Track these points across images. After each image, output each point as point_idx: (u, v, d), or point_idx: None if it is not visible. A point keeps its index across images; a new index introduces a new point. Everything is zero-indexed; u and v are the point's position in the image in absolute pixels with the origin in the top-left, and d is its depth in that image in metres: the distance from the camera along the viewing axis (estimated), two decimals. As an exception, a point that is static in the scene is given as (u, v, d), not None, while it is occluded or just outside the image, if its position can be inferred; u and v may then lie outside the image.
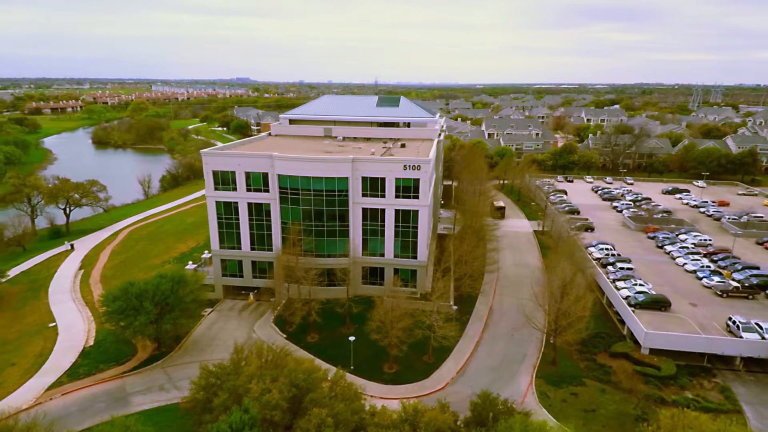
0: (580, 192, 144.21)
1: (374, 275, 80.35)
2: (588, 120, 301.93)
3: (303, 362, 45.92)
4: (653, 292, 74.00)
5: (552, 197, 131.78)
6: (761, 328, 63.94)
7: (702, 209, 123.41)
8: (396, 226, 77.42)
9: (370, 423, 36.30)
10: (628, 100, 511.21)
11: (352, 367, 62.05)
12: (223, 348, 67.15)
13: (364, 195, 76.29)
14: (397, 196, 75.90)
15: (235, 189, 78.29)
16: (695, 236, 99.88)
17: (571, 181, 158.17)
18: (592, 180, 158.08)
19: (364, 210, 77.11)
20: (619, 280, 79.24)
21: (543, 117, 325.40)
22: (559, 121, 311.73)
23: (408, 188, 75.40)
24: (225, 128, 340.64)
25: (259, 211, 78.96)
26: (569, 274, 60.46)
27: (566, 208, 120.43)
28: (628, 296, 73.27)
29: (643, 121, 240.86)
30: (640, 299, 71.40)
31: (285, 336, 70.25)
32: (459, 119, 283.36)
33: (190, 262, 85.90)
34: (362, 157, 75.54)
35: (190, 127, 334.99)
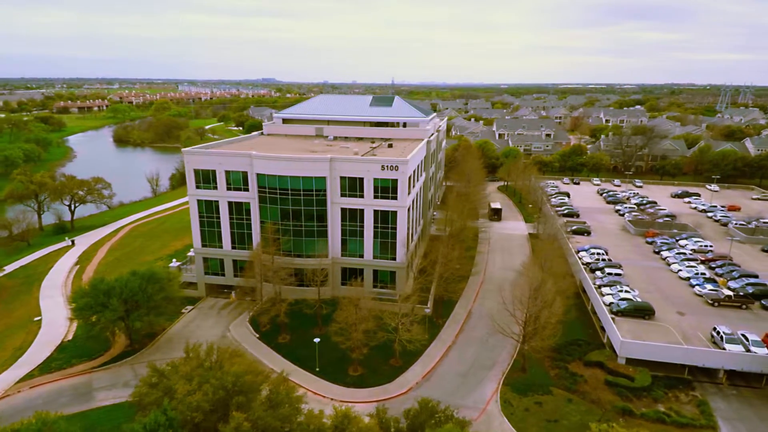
0: (584, 194, 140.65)
1: (354, 276, 79.51)
2: (606, 121, 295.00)
3: (250, 364, 45.59)
4: (638, 299, 71.35)
5: (553, 200, 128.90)
6: (747, 339, 60.88)
7: (710, 214, 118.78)
8: (375, 227, 76.54)
9: (297, 429, 35.57)
10: (654, 101, 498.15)
11: (317, 369, 61.50)
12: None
13: (342, 195, 75.65)
14: (375, 197, 75.02)
15: (216, 188, 78.60)
16: (696, 242, 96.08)
17: (578, 183, 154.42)
18: (599, 182, 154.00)
19: (343, 210, 76.46)
20: (605, 285, 76.69)
21: (560, 117, 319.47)
22: (576, 121, 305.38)
23: (387, 189, 74.43)
24: (240, 127, 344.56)
25: (239, 210, 79.10)
26: (538, 279, 58.51)
27: (565, 211, 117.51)
28: (612, 303, 70.81)
29: (660, 122, 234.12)
30: (623, 306, 68.90)
31: (258, 336, 70.11)
32: (473, 119, 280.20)
33: (174, 260, 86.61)
34: (340, 156, 74.89)
35: (207, 126, 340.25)
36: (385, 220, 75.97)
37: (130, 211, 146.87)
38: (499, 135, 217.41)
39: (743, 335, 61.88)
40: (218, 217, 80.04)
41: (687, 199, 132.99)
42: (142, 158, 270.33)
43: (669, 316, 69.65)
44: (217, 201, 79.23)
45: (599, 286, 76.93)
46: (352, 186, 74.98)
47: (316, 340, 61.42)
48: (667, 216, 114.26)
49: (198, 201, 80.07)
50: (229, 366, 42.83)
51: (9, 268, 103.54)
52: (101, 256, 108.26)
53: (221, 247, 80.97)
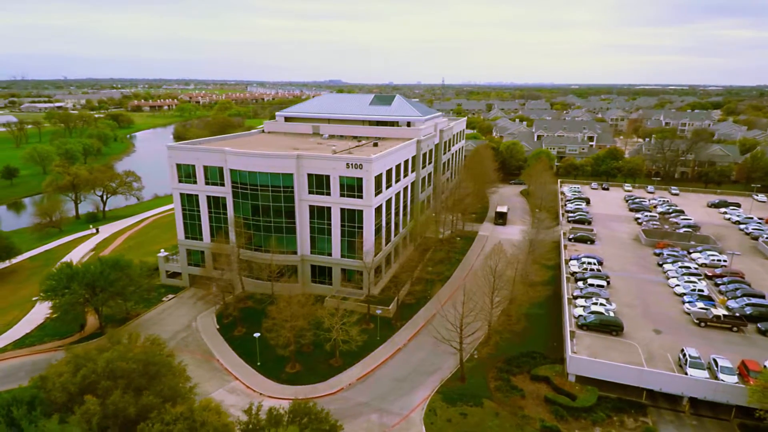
0: (609, 201, 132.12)
1: (323, 274, 79.60)
2: (666, 124, 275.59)
3: (154, 355, 46.74)
4: (611, 314, 66.10)
5: (569, 205, 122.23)
6: (716, 365, 54.72)
7: (742, 226, 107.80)
8: (342, 226, 76.14)
9: (156, 418, 35.92)
10: (734, 104, 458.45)
11: (258, 364, 62.12)
12: (159, 331, 70.49)
13: (310, 192, 75.87)
14: (342, 195, 74.63)
15: (195, 182, 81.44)
16: (709, 255, 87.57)
17: (607, 189, 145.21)
18: (630, 189, 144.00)
19: (311, 207, 76.67)
20: (581, 297, 71.76)
21: (616, 120, 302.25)
22: (633, 124, 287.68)
23: (352, 187, 73.82)
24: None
25: (216, 205, 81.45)
26: (474, 286, 55.78)
27: (577, 217, 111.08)
28: (580, 315, 66.15)
29: (723, 126, 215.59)
30: (589, 320, 64.13)
31: (218, 328, 71.91)
32: (517, 120, 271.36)
33: (162, 250, 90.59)
34: (307, 153, 75.13)
35: (259, 126, 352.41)
36: (352, 219, 75.34)
37: (160, 204, 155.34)
38: (538, 136, 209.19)
39: (714, 360, 55.74)
40: (198, 211, 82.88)
41: (723, 210, 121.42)
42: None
43: (642, 333, 64.00)
44: (197, 195, 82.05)
45: (575, 297, 72.12)
46: (319, 183, 75.03)
47: (256, 335, 61.97)
48: (689, 227, 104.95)
49: (181, 194, 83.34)
50: (141, 355, 44.26)
51: (35, 252, 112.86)
52: (117, 243, 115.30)
53: (201, 239, 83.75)
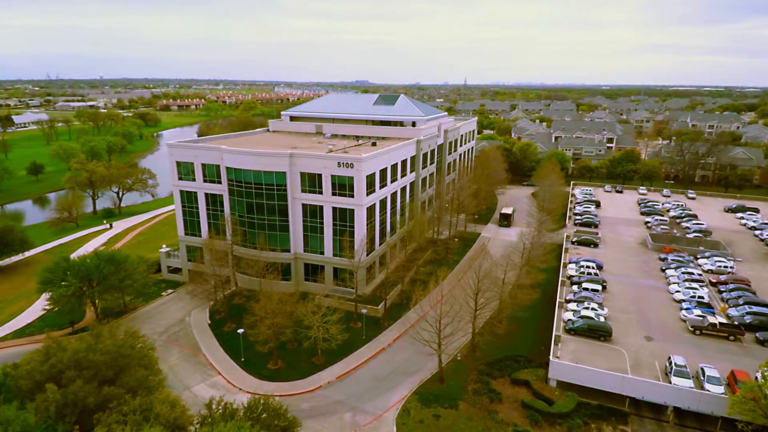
0: (621, 204, 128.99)
1: (316, 273, 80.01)
2: (693, 126, 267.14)
3: (121, 347, 47.93)
4: (601, 319, 64.60)
5: (578, 207, 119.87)
6: (703, 374, 52.90)
7: (757, 232, 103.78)
8: (334, 225, 76.45)
9: (116, 409, 36.81)
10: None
11: (242, 359, 62.92)
12: (153, 324, 72.53)
13: (303, 191, 76.43)
14: (333, 194, 74.95)
15: (194, 179, 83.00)
16: (716, 261, 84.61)
17: (621, 192, 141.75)
18: (645, 192, 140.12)
19: (304, 206, 77.21)
20: (573, 301, 70.33)
21: (641, 121, 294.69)
22: (658, 125, 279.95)
23: (344, 186, 74.07)
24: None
25: (214, 202, 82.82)
26: (447, 289, 55.34)
27: (584, 220, 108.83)
28: (569, 320, 64.84)
29: (752, 129, 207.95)
30: (578, 324, 62.82)
31: (209, 323, 73.10)
32: (537, 121, 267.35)
33: (164, 245, 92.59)
34: (299, 152, 75.68)
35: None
36: (344, 218, 75.58)
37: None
38: (556, 137, 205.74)
39: (703, 369, 53.88)
40: (197, 208, 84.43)
41: (739, 215, 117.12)
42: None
43: (632, 340, 62.33)
44: (196, 192, 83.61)
45: (567, 301, 70.71)
46: (312, 182, 75.52)
47: (240, 331, 62.75)
48: (700, 232, 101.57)
49: (180, 191, 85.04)
50: (112, 347, 45.50)
51: (50, 245, 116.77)
52: (128, 239, 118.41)
53: (200, 236, 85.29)
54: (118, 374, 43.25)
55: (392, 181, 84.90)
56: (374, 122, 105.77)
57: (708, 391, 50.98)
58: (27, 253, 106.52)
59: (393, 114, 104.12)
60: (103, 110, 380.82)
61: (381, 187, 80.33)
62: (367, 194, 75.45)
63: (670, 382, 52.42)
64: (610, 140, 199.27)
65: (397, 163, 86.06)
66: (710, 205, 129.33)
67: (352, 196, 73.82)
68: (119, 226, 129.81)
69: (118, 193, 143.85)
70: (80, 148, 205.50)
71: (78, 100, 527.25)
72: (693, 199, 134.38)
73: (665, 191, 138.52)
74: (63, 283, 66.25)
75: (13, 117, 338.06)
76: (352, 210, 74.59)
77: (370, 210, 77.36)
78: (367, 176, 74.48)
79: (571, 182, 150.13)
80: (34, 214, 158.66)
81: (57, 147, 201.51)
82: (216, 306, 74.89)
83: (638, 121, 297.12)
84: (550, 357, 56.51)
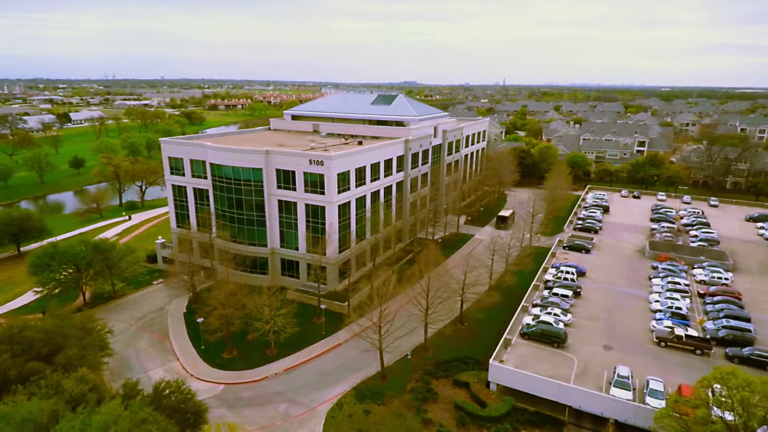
0: (632, 209, 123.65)
1: (291, 268, 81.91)
2: (742, 130, 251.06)
3: (72, 327, 51.48)
4: (560, 325, 62.85)
5: (582, 212, 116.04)
6: (647, 386, 50.64)
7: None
8: (307, 221, 78.06)
9: (44, 389, 39.90)
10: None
11: (202, 347, 65.53)
12: (134, 311, 76.67)
13: (279, 187, 78.49)
14: (306, 191, 76.61)
15: (184, 174, 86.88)
16: (712, 272, 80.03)
17: (638, 197, 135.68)
18: (664, 198, 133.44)
19: (280, 202, 79.26)
20: (538, 305, 68.68)
21: (686, 124, 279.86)
22: (704, 129, 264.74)
23: (315, 183, 75.57)
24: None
25: (201, 196, 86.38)
26: (390, 291, 55.66)
27: (585, 225, 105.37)
28: (526, 324, 63.52)
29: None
30: (532, 329, 61.43)
31: (184, 312, 76.44)
32: (572, 123, 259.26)
33: (160, 237, 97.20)
34: (275, 149, 77.75)
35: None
36: (316, 215, 77.04)
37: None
38: (584, 140, 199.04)
39: (647, 381, 51.59)
40: (187, 202, 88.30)
41: (761, 224, 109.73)
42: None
43: (589, 348, 60.30)
44: (186, 187, 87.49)
45: (533, 305, 69.13)
46: (286, 178, 77.43)
47: (200, 320, 65.24)
48: (707, 241, 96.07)
49: (173, 186, 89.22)
50: (49, 326, 49.35)
51: (70, 234, 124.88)
52: (141, 230, 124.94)
53: (190, 229, 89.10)
54: (55, 352, 46.60)
55: (373, 180, 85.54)
56: (370, 122, 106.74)
57: (648, 404, 48.80)
58: (46, 241, 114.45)
59: (388, 114, 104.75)
60: (151, 109, 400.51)
61: (358, 185, 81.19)
62: (340, 192, 76.58)
63: (609, 393, 50.53)
64: (642, 143, 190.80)
65: (379, 162, 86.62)
66: (732, 213, 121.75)
67: (323, 193, 75.15)
68: (137, 218, 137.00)
69: (141, 186, 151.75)
70: (121, 144, 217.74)
71: (134, 99, 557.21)
72: (715, 206, 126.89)
73: (686, 197, 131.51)
74: (48, 268, 71.16)
75: (70, 114, 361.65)
76: (324, 207, 75.91)
77: (344, 207, 78.41)
78: (340, 174, 75.65)
79: (587, 186, 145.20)
80: (74, 204, 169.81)
81: (99, 142, 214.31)
82: (191, 296, 78.09)
83: (682, 124, 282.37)
84: (491, 360, 55.65)
